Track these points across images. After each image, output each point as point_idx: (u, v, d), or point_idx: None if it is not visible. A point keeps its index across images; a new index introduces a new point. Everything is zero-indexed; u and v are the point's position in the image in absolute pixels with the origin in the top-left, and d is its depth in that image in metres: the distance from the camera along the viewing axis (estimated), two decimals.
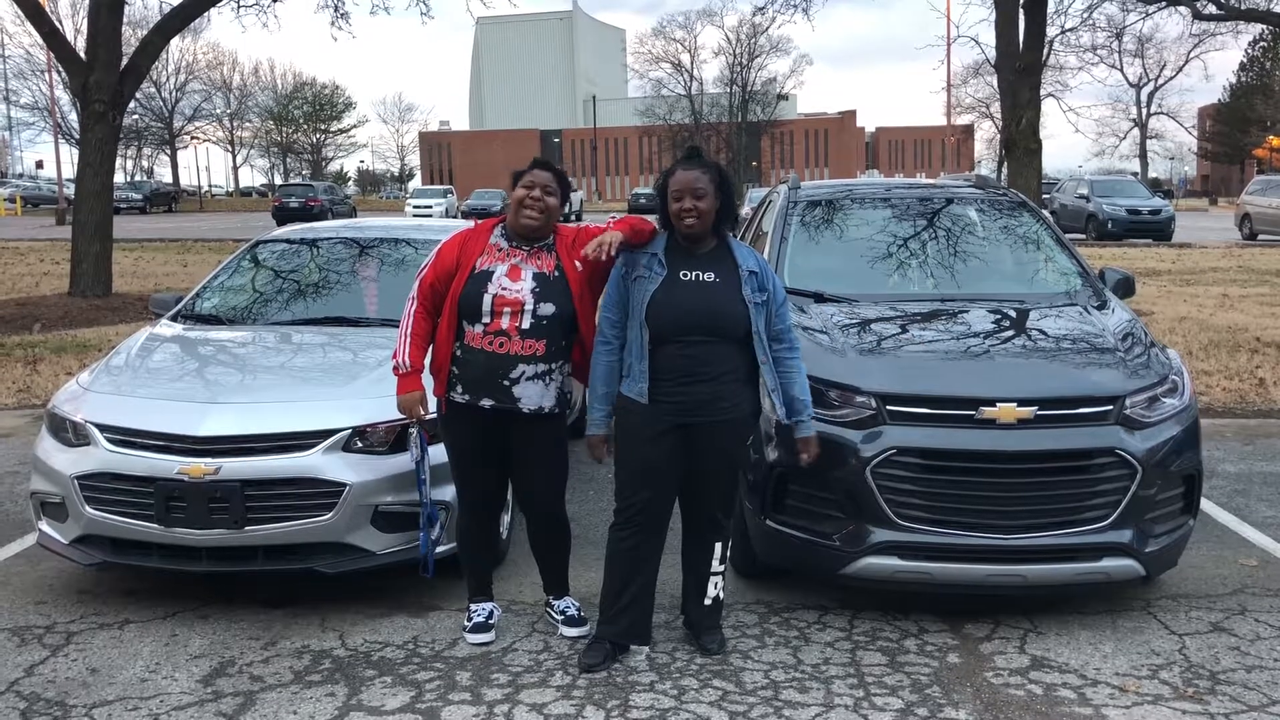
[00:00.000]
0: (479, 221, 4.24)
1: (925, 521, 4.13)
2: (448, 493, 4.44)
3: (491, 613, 4.30)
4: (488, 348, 4.00)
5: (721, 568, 4.17)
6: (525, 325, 3.98)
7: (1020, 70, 17.57)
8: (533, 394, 4.03)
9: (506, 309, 3.97)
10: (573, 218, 49.71)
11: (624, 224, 4.01)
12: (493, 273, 4.01)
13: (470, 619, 4.28)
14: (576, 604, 4.37)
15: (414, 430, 4.29)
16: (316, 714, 3.67)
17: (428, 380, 4.16)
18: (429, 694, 3.81)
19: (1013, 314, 5.02)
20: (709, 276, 3.93)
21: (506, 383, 4.00)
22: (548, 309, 4.00)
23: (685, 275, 3.92)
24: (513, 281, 4.00)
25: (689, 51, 76.46)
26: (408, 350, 4.08)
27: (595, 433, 4.06)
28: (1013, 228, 5.95)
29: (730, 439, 4.02)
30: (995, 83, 29.77)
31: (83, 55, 14.99)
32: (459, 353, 4.06)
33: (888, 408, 4.22)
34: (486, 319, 3.98)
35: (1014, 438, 4.12)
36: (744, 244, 4.21)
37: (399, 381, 4.11)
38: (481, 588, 4.36)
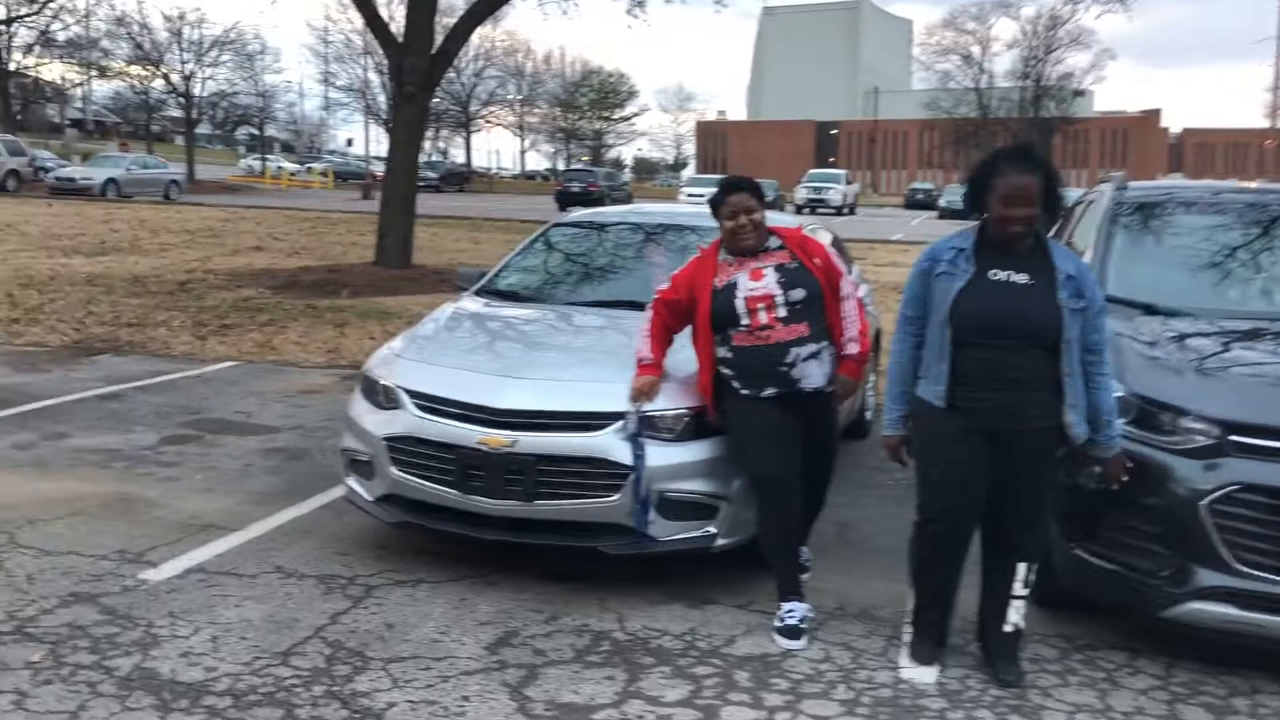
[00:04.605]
0: (702, 249, 4.46)
1: (1270, 569, 3.66)
2: (732, 486, 4.38)
3: (804, 617, 4.16)
4: (757, 343, 4.15)
5: (1024, 592, 3.88)
6: (782, 314, 4.13)
7: None
8: (813, 373, 4.18)
9: (760, 305, 4.14)
10: (845, 211, 48.80)
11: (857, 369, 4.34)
12: (735, 282, 4.22)
13: (781, 619, 4.16)
14: (805, 612, 4.17)
15: (632, 411, 4.31)
16: (597, 696, 3.67)
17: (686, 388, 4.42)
18: (707, 690, 3.73)
19: None
20: (1021, 278, 3.66)
21: (784, 368, 4.14)
22: (798, 294, 4.16)
23: (995, 275, 3.67)
24: (757, 281, 4.19)
25: (980, 44, 73.45)
26: (649, 346, 4.43)
27: (892, 434, 3.91)
28: None
29: (1037, 450, 3.74)
30: None
31: (399, 40, 16.01)
32: (729, 354, 4.22)
33: (1231, 437, 3.76)
34: (746, 320, 4.14)
35: None
36: (1062, 245, 3.88)
37: (638, 368, 4.39)
38: (790, 586, 4.23)
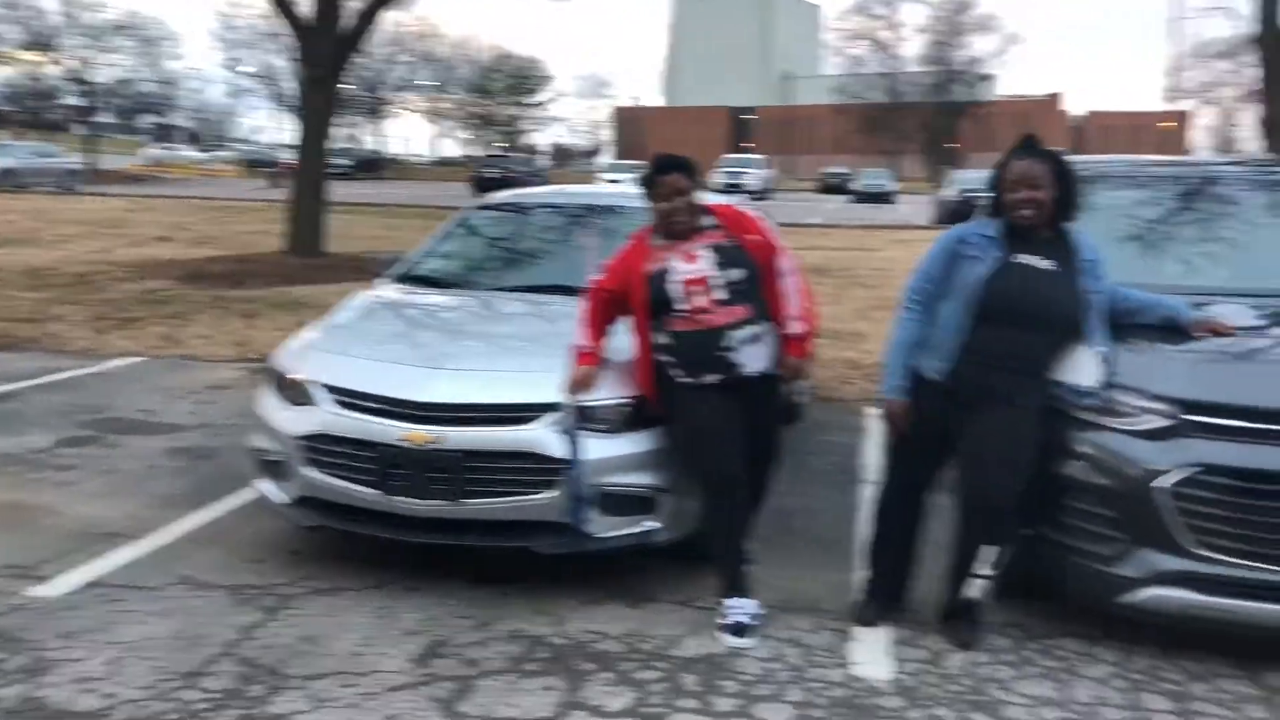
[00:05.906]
0: (633, 235, 4.25)
1: (1229, 552, 3.55)
2: (672, 477, 4.17)
3: (751, 613, 3.95)
4: (694, 328, 3.97)
5: (991, 574, 3.89)
6: (720, 296, 3.96)
7: None
8: (753, 356, 4.01)
9: (697, 288, 3.97)
10: (762, 195, 48.82)
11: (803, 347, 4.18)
12: (668, 267, 4.03)
13: (726, 617, 3.94)
14: (751, 608, 3.97)
15: (569, 403, 4.09)
16: (536, 708, 3.42)
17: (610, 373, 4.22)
18: (653, 697, 3.50)
19: None
20: (1046, 264, 3.71)
21: (723, 353, 3.96)
22: (736, 274, 4.00)
23: (1021, 260, 3.70)
24: (691, 263, 4.01)
25: (890, 28, 74.14)
26: (586, 333, 4.21)
27: (898, 399, 3.88)
28: None
29: (1009, 423, 3.72)
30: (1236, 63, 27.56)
31: (307, 22, 15.43)
32: (667, 341, 4.00)
33: (1188, 417, 3.64)
34: (683, 304, 3.97)
35: None
36: (1087, 235, 3.88)
37: (576, 357, 4.16)
38: (735, 581, 4.01)
